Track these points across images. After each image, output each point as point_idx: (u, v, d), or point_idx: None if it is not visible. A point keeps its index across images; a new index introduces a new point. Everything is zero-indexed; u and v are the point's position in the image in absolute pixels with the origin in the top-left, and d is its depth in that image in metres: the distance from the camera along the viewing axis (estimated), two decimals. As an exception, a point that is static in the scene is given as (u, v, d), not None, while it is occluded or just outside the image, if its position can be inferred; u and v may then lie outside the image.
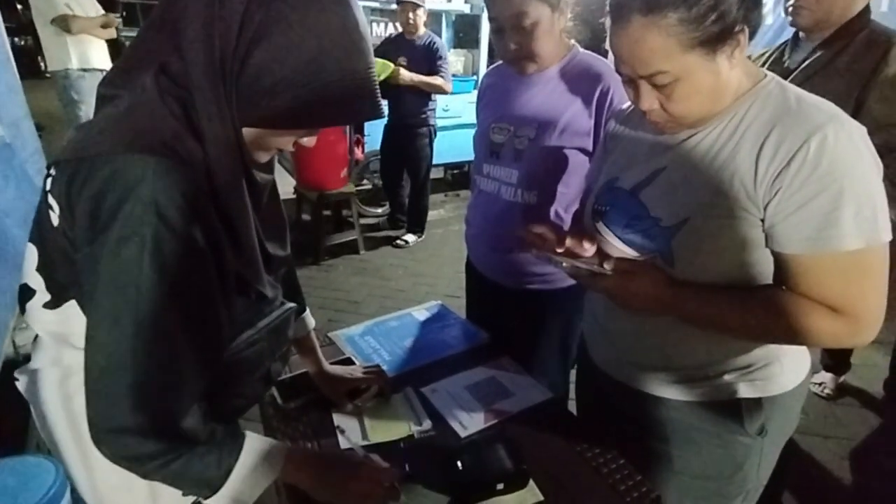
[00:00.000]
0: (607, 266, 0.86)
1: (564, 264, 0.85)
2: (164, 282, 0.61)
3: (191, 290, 0.64)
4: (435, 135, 4.00)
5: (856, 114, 1.34)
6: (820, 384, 2.41)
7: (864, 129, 0.76)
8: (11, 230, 1.43)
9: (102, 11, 3.85)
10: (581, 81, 1.29)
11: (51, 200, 0.67)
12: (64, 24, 3.53)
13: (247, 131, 0.68)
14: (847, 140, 0.73)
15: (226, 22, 0.61)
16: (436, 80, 3.67)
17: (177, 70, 0.64)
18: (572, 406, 1.23)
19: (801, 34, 1.52)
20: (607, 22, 0.80)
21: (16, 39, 5.63)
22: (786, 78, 1.48)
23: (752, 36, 0.78)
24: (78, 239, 0.62)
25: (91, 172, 0.60)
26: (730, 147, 0.81)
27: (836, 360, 2.40)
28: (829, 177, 0.73)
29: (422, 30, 3.73)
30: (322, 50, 0.63)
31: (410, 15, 3.62)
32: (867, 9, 1.43)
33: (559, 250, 0.94)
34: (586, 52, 1.35)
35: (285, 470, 0.76)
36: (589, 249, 0.95)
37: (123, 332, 0.61)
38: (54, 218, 0.66)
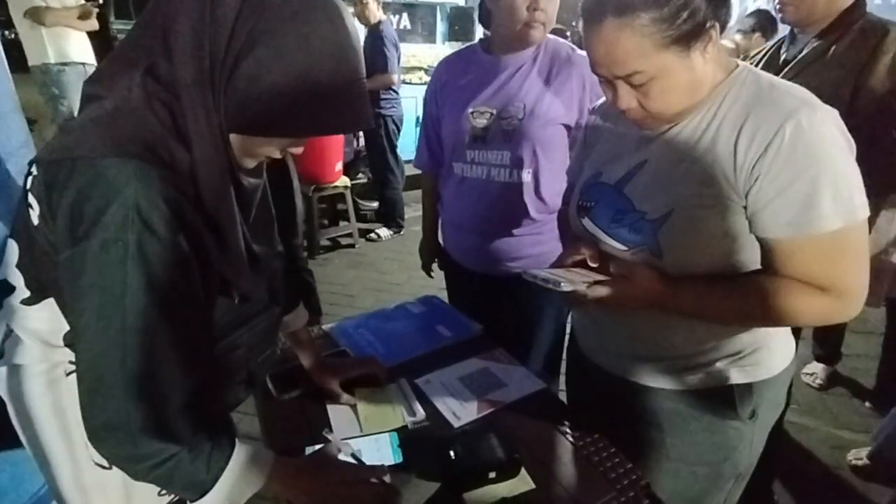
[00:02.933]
0: (599, 277, 0.86)
1: (563, 284, 0.81)
2: (149, 286, 0.61)
3: (175, 293, 0.64)
4: (396, 125, 3.99)
5: (853, 99, 1.35)
6: (811, 374, 2.44)
7: (835, 112, 0.78)
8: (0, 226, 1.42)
9: (82, 0, 3.64)
10: (555, 63, 1.36)
11: (30, 199, 0.67)
12: (36, 16, 3.34)
13: (234, 137, 0.67)
14: (820, 124, 0.75)
15: (217, 28, 0.61)
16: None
17: (165, 73, 0.64)
18: (562, 396, 1.24)
19: (796, 28, 1.53)
20: (580, 24, 0.81)
21: (6, 33, 5.48)
22: (783, 69, 1.50)
23: (722, 30, 0.80)
24: (58, 241, 0.62)
25: (72, 175, 0.60)
26: (708, 137, 0.82)
27: (827, 350, 2.43)
28: (805, 161, 0.75)
29: (372, 21, 3.71)
30: (311, 60, 0.62)
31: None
32: (860, 0, 1.44)
33: (593, 265, 0.91)
34: (552, 37, 1.41)
35: (273, 479, 0.76)
36: (591, 259, 0.93)
37: (110, 336, 0.61)
38: (34, 217, 0.66)
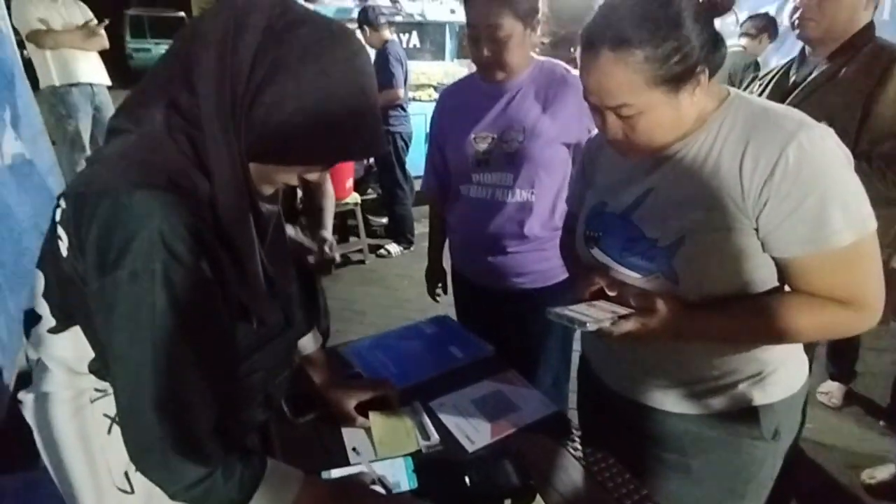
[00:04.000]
0: (622, 311, 0.86)
1: (588, 324, 0.81)
2: (176, 311, 0.63)
3: (201, 318, 0.66)
4: (404, 142, 4.04)
5: (862, 123, 1.37)
6: (826, 393, 2.41)
7: (831, 130, 0.80)
8: (30, 246, 1.45)
9: (91, 17, 3.63)
10: (551, 85, 1.41)
11: (60, 231, 0.69)
12: (36, 39, 3.33)
13: (253, 165, 0.70)
14: (820, 143, 0.78)
15: (237, 63, 0.64)
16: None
17: (187, 105, 0.66)
18: (572, 414, 1.24)
19: (807, 51, 1.54)
20: (578, 52, 0.84)
21: (24, 52, 5.57)
22: (792, 91, 1.51)
23: (712, 74, 0.83)
24: (88, 272, 0.64)
25: (98, 207, 0.62)
26: (710, 163, 0.84)
27: (841, 368, 2.40)
28: (812, 181, 0.77)
29: (379, 43, 3.79)
30: (328, 91, 0.65)
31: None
32: (871, 24, 1.46)
33: (612, 294, 0.92)
34: (546, 59, 1.46)
35: (301, 499, 0.76)
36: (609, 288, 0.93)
37: (141, 362, 0.63)
38: (63, 248, 0.69)
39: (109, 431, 0.78)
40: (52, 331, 0.76)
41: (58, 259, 0.70)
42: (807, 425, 1.03)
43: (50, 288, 0.75)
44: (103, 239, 0.62)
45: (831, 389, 2.41)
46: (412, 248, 4.20)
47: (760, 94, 1.63)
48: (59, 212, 0.70)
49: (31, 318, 0.78)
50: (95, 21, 3.68)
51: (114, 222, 0.61)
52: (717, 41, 0.83)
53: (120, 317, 0.63)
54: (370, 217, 4.57)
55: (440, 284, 1.85)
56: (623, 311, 0.86)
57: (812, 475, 2.01)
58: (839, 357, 2.40)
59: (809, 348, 1.36)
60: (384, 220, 4.60)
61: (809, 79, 1.49)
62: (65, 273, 0.70)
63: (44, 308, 0.76)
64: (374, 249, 4.13)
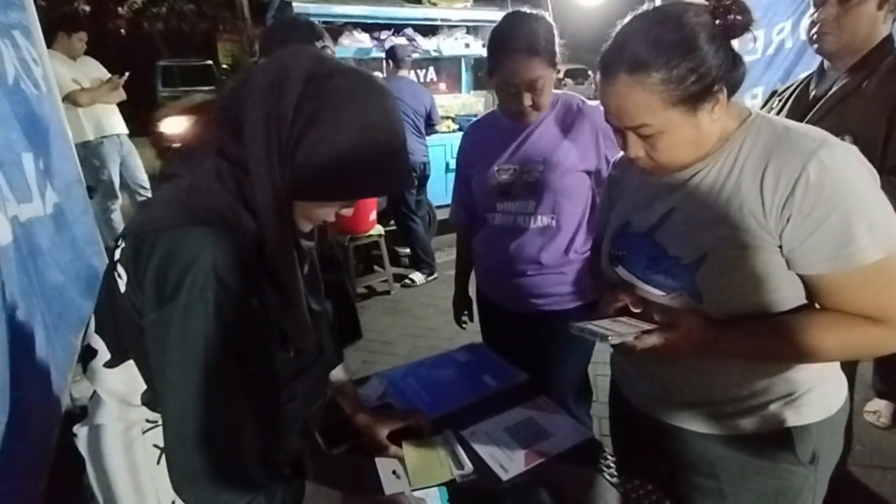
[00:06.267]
0: (646, 326, 0.86)
1: (611, 337, 0.82)
2: (227, 339, 0.67)
3: (250, 345, 0.70)
4: (423, 173, 4.12)
5: (888, 136, 1.34)
6: (874, 412, 2.30)
7: (854, 148, 0.80)
8: (68, 291, 1.51)
9: (105, 70, 3.89)
10: (568, 117, 1.49)
11: (119, 269, 0.74)
12: (73, 99, 3.54)
13: (295, 204, 0.75)
14: (841, 160, 0.78)
15: (282, 110, 0.69)
16: None
17: (234, 151, 0.72)
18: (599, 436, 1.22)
19: (826, 65, 1.53)
20: (597, 77, 0.87)
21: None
22: (813, 107, 1.50)
23: (731, 93, 0.84)
24: (145, 305, 0.69)
25: (155, 244, 0.67)
26: (732, 181, 0.85)
27: (889, 385, 2.30)
28: (835, 197, 0.76)
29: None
30: (364, 133, 0.71)
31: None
32: (890, 37, 1.44)
33: (637, 310, 0.92)
34: (562, 92, 1.53)
35: None
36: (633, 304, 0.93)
37: (193, 389, 0.67)
38: (121, 285, 0.73)
39: (159, 462, 0.81)
40: (108, 365, 0.80)
41: (114, 297, 0.75)
42: (855, 447, 0.99)
43: (106, 325, 0.80)
44: (160, 273, 0.66)
45: (879, 408, 2.30)
46: (436, 275, 4.22)
47: (780, 110, 1.62)
48: (118, 252, 0.75)
49: (88, 354, 0.82)
50: (110, 76, 3.92)
51: (170, 257, 0.66)
52: (734, 61, 0.83)
53: (173, 344, 0.67)
54: (396, 248, 4.61)
55: (466, 312, 1.89)
56: (647, 326, 0.87)
57: (863, 500, 1.91)
58: (887, 372, 2.29)
59: (851, 366, 1.31)
60: (408, 251, 4.63)
61: (830, 93, 1.47)
62: (122, 309, 0.74)
63: (99, 343, 0.80)
64: (399, 279, 4.16)
